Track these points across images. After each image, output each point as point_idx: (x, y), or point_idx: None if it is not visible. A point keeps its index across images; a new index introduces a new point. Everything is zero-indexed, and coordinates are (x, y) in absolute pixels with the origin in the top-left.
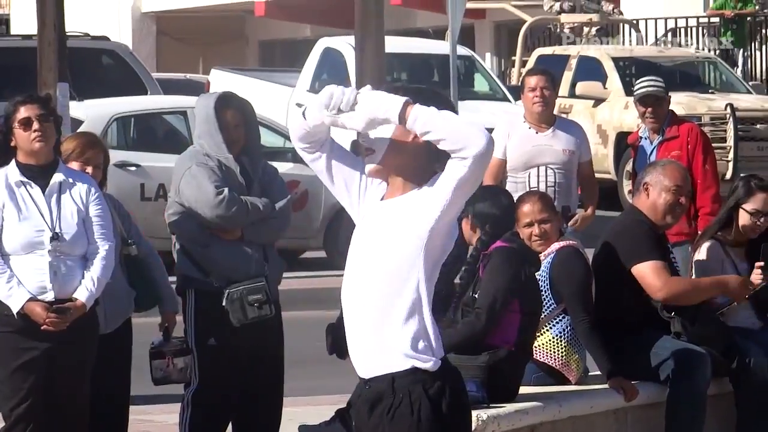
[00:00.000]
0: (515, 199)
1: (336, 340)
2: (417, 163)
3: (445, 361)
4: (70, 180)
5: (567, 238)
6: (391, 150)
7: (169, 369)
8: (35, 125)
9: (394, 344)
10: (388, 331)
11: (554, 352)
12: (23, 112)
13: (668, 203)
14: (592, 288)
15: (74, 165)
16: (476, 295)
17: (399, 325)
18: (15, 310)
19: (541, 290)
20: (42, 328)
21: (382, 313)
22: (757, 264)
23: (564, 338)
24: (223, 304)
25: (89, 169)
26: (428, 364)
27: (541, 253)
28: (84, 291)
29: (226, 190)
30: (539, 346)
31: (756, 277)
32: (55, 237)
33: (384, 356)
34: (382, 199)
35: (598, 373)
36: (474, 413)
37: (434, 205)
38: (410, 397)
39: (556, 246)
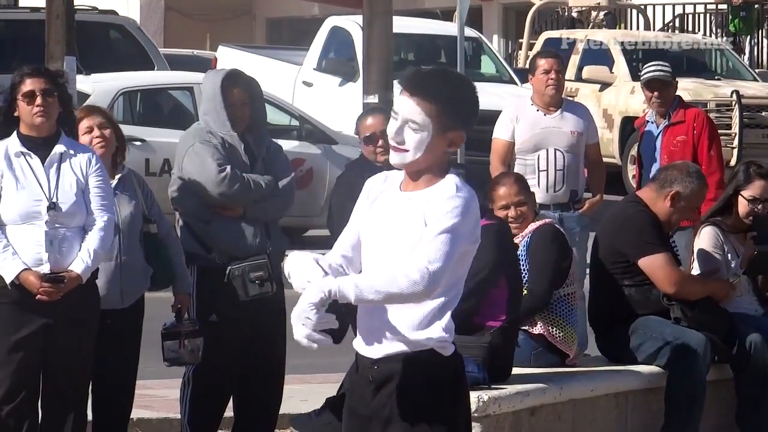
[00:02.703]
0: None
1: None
2: (441, 159)
3: (456, 347)
4: (71, 151)
5: (542, 218)
6: (426, 152)
7: (180, 350)
8: (38, 100)
9: (409, 326)
10: (404, 313)
11: (548, 327)
12: (28, 85)
13: (684, 217)
14: (561, 266)
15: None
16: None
17: (415, 309)
18: (8, 279)
19: (521, 270)
20: (36, 297)
21: None
22: (749, 234)
23: (553, 312)
24: (225, 280)
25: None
26: (445, 348)
27: (517, 235)
28: (80, 262)
29: (228, 167)
30: (531, 320)
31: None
32: (52, 206)
33: (399, 337)
34: (401, 189)
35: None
36: (475, 394)
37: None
38: (424, 379)
39: (533, 226)
